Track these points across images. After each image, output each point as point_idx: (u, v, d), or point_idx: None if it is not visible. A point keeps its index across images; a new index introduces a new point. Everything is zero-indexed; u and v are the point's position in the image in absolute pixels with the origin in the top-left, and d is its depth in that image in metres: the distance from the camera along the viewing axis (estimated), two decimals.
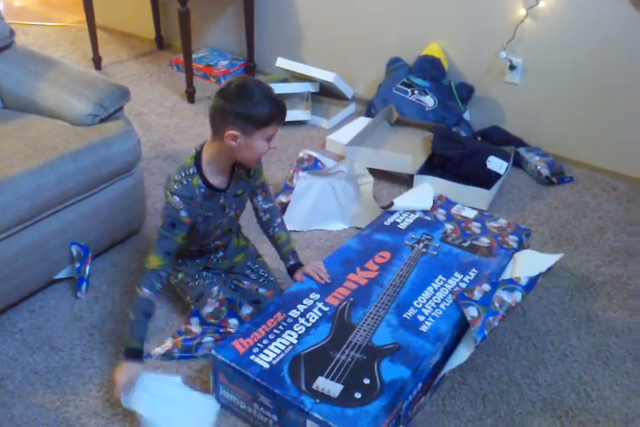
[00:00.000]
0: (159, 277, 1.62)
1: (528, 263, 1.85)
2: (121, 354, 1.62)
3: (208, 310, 1.81)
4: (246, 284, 1.92)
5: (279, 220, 1.88)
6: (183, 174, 1.63)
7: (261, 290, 1.90)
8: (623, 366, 1.79)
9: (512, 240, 1.99)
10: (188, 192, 1.62)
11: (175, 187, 1.62)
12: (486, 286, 1.72)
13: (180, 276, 1.89)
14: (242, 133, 1.54)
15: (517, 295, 1.70)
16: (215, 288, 1.84)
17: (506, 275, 1.84)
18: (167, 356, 1.76)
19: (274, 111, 1.55)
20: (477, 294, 1.70)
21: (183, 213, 1.62)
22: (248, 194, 1.81)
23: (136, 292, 1.62)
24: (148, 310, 1.62)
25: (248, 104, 1.52)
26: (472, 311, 1.65)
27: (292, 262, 1.86)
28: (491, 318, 1.63)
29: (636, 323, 1.94)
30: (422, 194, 2.19)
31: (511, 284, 1.72)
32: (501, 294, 1.69)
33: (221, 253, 1.93)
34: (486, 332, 1.61)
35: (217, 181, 1.68)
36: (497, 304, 1.66)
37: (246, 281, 1.92)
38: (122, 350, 1.62)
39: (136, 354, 1.59)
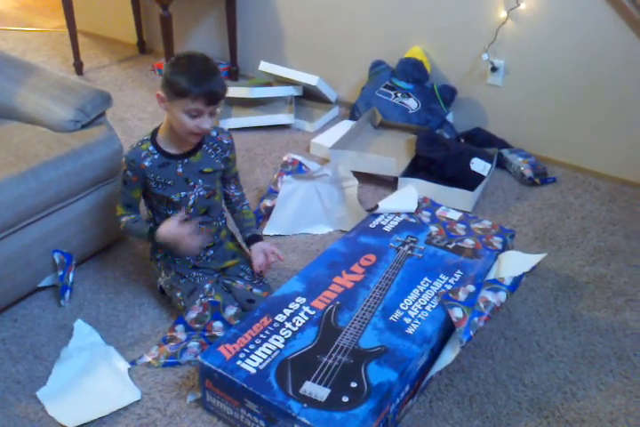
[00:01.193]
0: (128, 215, 1.87)
1: (512, 263, 1.86)
2: (147, 241, 1.88)
3: (192, 315, 1.80)
4: (240, 284, 1.90)
5: (247, 201, 2.02)
6: (138, 141, 1.80)
7: (256, 290, 1.89)
8: (608, 365, 1.80)
9: (496, 241, 2.00)
10: (132, 155, 1.77)
11: (126, 151, 1.81)
12: (471, 287, 1.73)
13: (172, 274, 1.88)
14: (166, 97, 1.66)
15: (502, 295, 1.71)
16: (207, 286, 1.84)
17: (490, 276, 1.85)
18: (152, 364, 1.74)
19: (191, 86, 1.61)
20: (462, 295, 1.70)
21: (129, 173, 1.79)
22: (218, 176, 1.88)
23: (122, 226, 1.87)
24: (137, 220, 1.86)
25: (175, 71, 1.63)
26: (457, 312, 1.65)
27: (252, 233, 1.97)
28: (476, 319, 1.64)
29: (620, 322, 1.95)
30: (407, 196, 2.19)
31: (495, 284, 1.73)
32: (486, 294, 1.70)
33: (211, 252, 1.93)
34: (472, 333, 1.62)
35: (172, 149, 1.79)
36: (482, 305, 1.67)
37: (240, 281, 1.91)
38: (146, 239, 1.86)
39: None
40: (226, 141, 1.86)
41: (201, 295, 1.82)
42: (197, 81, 1.60)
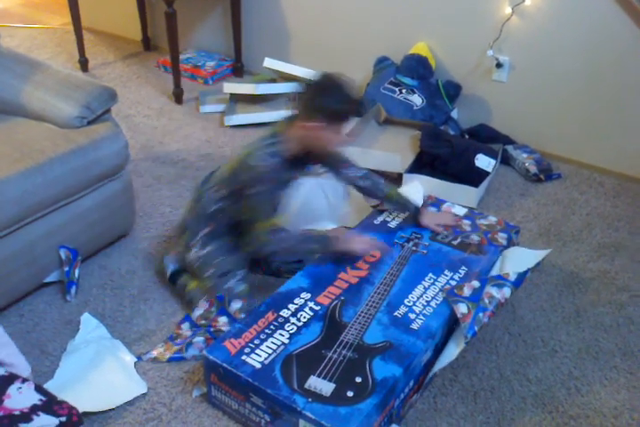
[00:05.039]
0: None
1: (517, 259, 1.86)
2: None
3: (198, 312, 1.82)
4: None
5: (381, 180, 2.00)
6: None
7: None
8: (612, 361, 1.80)
9: (501, 237, 2.00)
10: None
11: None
12: (475, 283, 1.73)
13: (209, 249, 1.88)
14: (323, 124, 1.69)
15: (506, 291, 1.71)
16: (241, 271, 1.87)
17: (494, 271, 1.85)
18: (158, 359, 1.75)
19: (352, 111, 1.75)
20: (467, 291, 1.71)
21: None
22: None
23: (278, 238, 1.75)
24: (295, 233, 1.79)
25: (333, 99, 1.68)
26: (462, 308, 1.66)
27: (413, 208, 2.01)
28: (481, 315, 1.64)
29: (624, 317, 1.96)
30: (412, 192, 2.19)
31: (500, 280, 1.73)
32: (490, 290, 1.70)
33: None
34: (476, 328, 1.62)
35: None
36: (486, 300, 1.67)
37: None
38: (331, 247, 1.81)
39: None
40: None
41: (232, 280, 1.84)
42: (356, 102, 1.74)
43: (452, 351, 1.63)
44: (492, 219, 2.10)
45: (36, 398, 1.35)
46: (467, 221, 2.08)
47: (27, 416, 1.30)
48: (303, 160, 1.83)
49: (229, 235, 1.90)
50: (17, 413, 1.31)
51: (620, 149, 2.65)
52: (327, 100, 1.67)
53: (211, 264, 1.87)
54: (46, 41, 3.87)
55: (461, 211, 2.14)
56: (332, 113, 1.68)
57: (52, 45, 3.81)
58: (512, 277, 1.74)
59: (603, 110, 2.61)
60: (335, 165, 1.95)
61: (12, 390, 1.36)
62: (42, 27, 4.06)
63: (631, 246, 2.27)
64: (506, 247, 1.97)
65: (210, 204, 1.87)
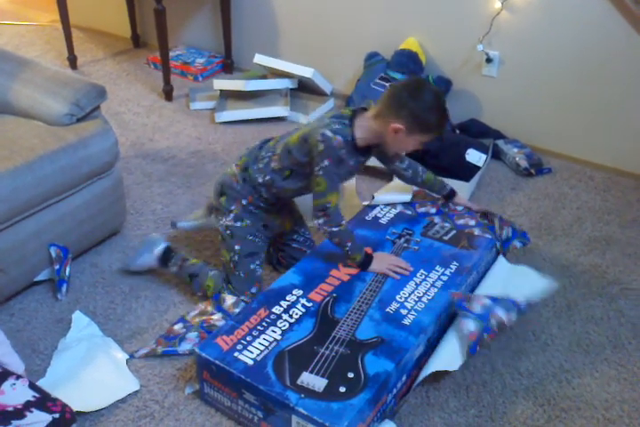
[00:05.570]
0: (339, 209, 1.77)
1: (526, 283, 1.87)
2: (362, 269, 1.80)
3: (193, 313, 1.84)
4: (295, 246, 2.03)
5: (420, 168, 2.02)
6: (338, 124, 1.72)
7: (309, 251, 1.99)
8: (603, 354, 1.81)
9: (507, 231, 2.00)
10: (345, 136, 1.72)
11: (330, 130, 1.69)
12: (486, 300, 1.70)
13: (242, 223, 1.87)
14: (406, 130, 1.67)
15: (513, 316, 1.69)
16: (263, 255, 1.91)
17: (497, 283, 1.85)
18: (152, 352, 1.75)
19: (440, 126, 1.71)
20: (476, 307, 1.68)
21: (343, 151, 1.72)
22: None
23: (337, 231, 1.73)
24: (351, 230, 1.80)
25: (425, 108, 1.65)
26: (470, 325, 1.64)
27: (447, 191, 2.08)
28: (485, 335, 1.64)
29: (615, 310, 1.97)
30: (401, 187, 2.20)
31: (510, 304, 1.71)
32: (499, 311, 1.67)
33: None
34: (478, 348, 1.62)
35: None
36: (493, 322, 1.65)
37: (295, 244, 2.03)
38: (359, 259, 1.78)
39: (369, 256, 1.79)
40: None
41: (257, 261, 1.87)
42: (445, 121, 1.72)
43: (446, 360, 1.62)
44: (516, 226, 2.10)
45: (29, 395, 1.35)
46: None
47: (20, 413, 1.30)
48: (365, 151, 1.81)
49: (266, 213, 1.89)
50: (10, 409, 1.30)
51: (609, 144, 2.66)
52: (420, 106, 1.65)
53: (241, 239, 1.86)
54: (34, 38, 3.84)
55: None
56: (421, 121, 1.66)
57: (41, 43, 3.78)
58: (522, 304, 1.73)
59: (593, 105, 2.62)
60: (390, 159, 1.97)
61: (6, 386, 1.35)
62: (30, 24, 4.03)
63: (622, 240, 2.28)
64: (502, 241, 1.97)
65: (258, 174, 1.82)
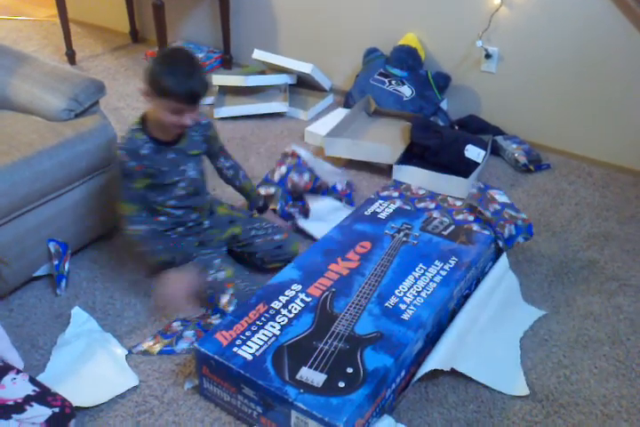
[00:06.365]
0: (139, 216, 1.83)
1: (516, 315, 1.90)
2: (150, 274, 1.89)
3: (194, 316, 1.83)
4: (260, 240, 2.01)
5: (242, 172, 2.10)
6: (129, 130, 1.80)
7: (276, 237, 2.01)
8: (601, 350, 1.82)
9: (509, 229, 2.00)
10: (131, 145, 1.77)
11: (121, 142, 1.80)
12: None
13: (179, 259, 1.89)
14: (150, 94, 1.68)
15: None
16: (217, 261, 1.89)
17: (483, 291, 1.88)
18: (148, 352, 1.75)
19: (173, 87, 1.63)
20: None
21: (132, 164, 1.77)
22: (206, 155, 1.96)
23: (132, 236, 1.83)
24: (153, 234, 1.84)
25: (159, 70, 1.64)
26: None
27: (260, 204, 2.15)
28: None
29: (614, 306, 1.97)
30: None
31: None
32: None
33: (207, 222, 1.98)
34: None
35: (163, 136, 1.79)
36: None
37: (258, 239, 2.01)
38: (151, 270, 1.88)
39: (167, 265, 1.84)
40: (204, 122, 1.90)
41: (211, 271, 1.84)
42: (180, 82, 1.63)
43: (447, 356, 1.64)
44: (522, 215, 2.09)
45: (29, 389, 1.35)
46: (498, 207, 2.10)
47: (20, 407, 1.31)
48: (176, 142, 1.83)
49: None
50: (10, 403, 1.31)
51: (608, 140, 2.66)
52: (156, 69, 1.65)
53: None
54: (32, 33, 3.83)
55: (503, 198, 2.18)
56: (155, 83, 1.64)
57: (39, 38, 3.77)
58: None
59: (592, 101, 2.62)
60: (214, 155, 2.02)
61: (6, 380, 1.36)
62: (28, 19, 4.02)
63: (620, 236, 2.28)
64: (504, 240, 1.98)
65: None
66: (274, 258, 2.00)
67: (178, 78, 1.62)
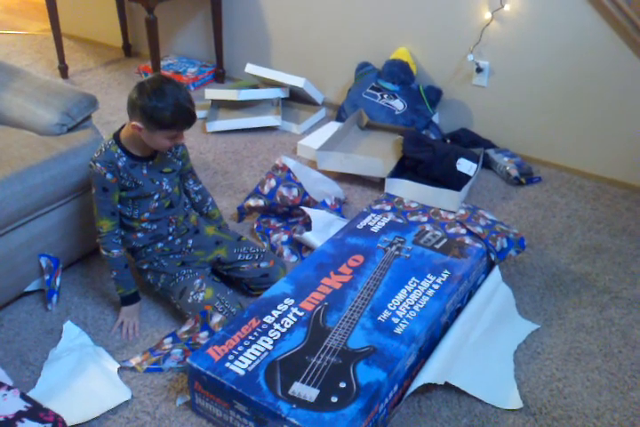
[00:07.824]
0: (116, 235, 1.83)
1: (510, 328, 1.91)
2: (120, 304, 1.89)
3: (184, 328, 1.82)
4: (246, 266, 1.98)
5: (210, 199, 2.10)
6: (102, 145, 1.78)
7: (263, 264, 1.98)
8: (594, 362, 1.82)
9: (501, 242, 2.02)
10: (107, 156, 1.75)
11: (96, 155, 1.77)
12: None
13: (162, 279, 1.90)
14: (145, 128, 1.67)
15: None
16: (197, 281, 1.87)
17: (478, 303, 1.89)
18: (136, 368, 1.74)
19: (177, 118, 1.66)
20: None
21: (109, 176, 1.75)
22: (177, 174, 1.92)
23: (106, 256, 1.83)
24: (124, 263, 1.85)
25: (155, 105, 1.62)
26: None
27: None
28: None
29: (606, 319, 1.97)
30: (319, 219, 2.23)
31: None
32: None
33: (191, 242, 1.97)
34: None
35: (138, 152, 1.79)
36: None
37: (244, 264, 1.98)
38: (119, 301, 1.89)
39: (133, 298, 1.88)
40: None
41: (192, 293, 1.83)
42: (180, 112, 1.65)
43: (439, 370, 1.63)
44: (514, 230, 2.15)
45: (21, 405, 1.34)
46: (489, 222, 2.18)
47: (11, 423, 1.29)
48: (150, 157, 1.82)
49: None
50: (1, 419, 1.29)
51: (599, 153, 2.68)
52: (148, 104, 1.62)
53: (170, 291, 1.90)
54: (25, 47, 3.84)
55: (492, 217, 2.26)
56: (154, 118, 1.63)
57: (31, 52, 3.78)
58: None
59: (582, 114, 2.64)
60: (184, 176, 2.00)
61: None
62: (20, 33, 4.03)
63: (612, 248, 2.29)
64: (496, 253, 1.98)
65: None
66: (259, 286, 1.98)
67: (175, 109, 1.63)
